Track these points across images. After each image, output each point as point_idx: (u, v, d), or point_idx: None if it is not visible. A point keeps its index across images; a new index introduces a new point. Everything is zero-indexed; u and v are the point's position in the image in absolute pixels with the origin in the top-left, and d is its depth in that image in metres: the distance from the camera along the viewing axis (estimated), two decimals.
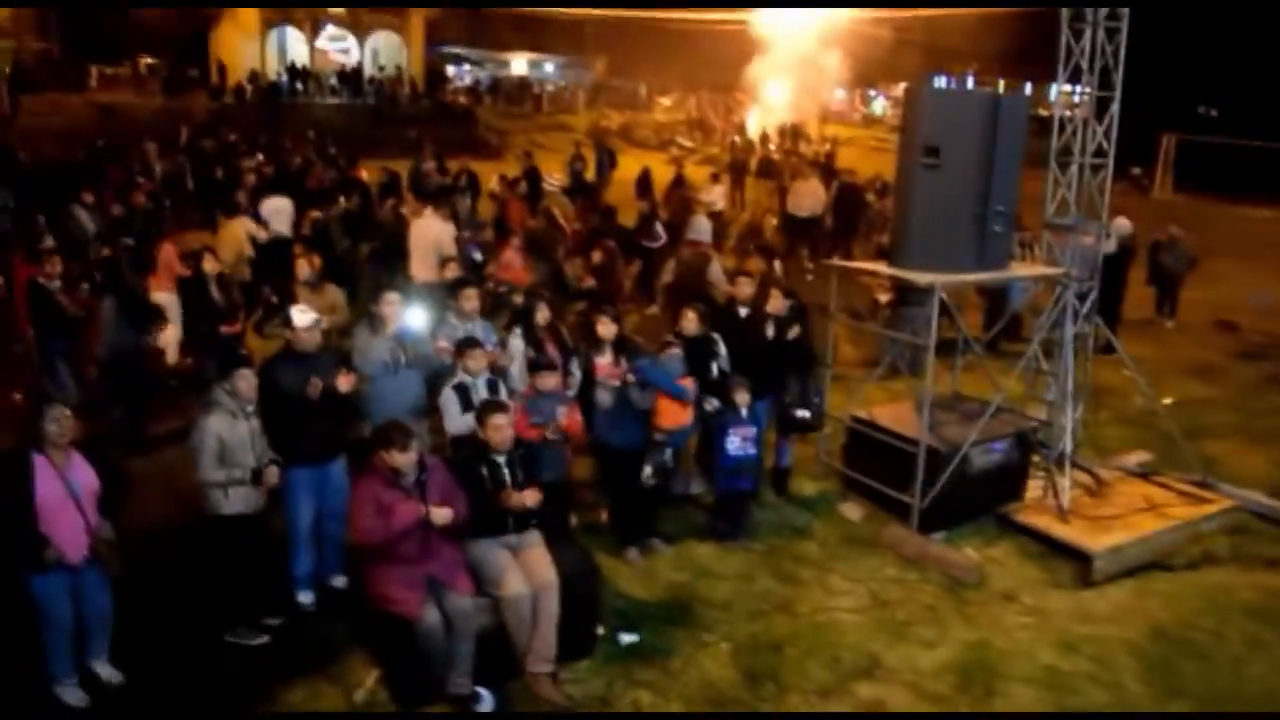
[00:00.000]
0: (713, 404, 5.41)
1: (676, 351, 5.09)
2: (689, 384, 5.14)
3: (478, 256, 8.16)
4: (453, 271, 6.73)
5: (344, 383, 4.58)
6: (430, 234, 7.97)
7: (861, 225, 11.99)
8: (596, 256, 8.33)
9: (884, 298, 8.53)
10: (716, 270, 7.78)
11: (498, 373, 5.18)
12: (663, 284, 8.39)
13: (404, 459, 3.96)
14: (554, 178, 12.89)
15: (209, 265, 6.94)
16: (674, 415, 5.10)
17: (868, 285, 8.55)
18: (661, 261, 9.26)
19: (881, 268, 5.93)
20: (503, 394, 4.93)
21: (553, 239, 8.99)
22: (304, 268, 6.76)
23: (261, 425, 4.40)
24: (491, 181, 12.82)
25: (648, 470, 5.08)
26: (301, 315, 4.72)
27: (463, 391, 4.89)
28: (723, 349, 5.66)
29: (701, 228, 10.03)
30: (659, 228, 10.25)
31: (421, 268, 7.77)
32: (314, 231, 9.07)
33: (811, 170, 13.60)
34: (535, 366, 5.04)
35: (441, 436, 4.94)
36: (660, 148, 22.53)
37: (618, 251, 8.57)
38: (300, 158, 14.40)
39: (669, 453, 5.14)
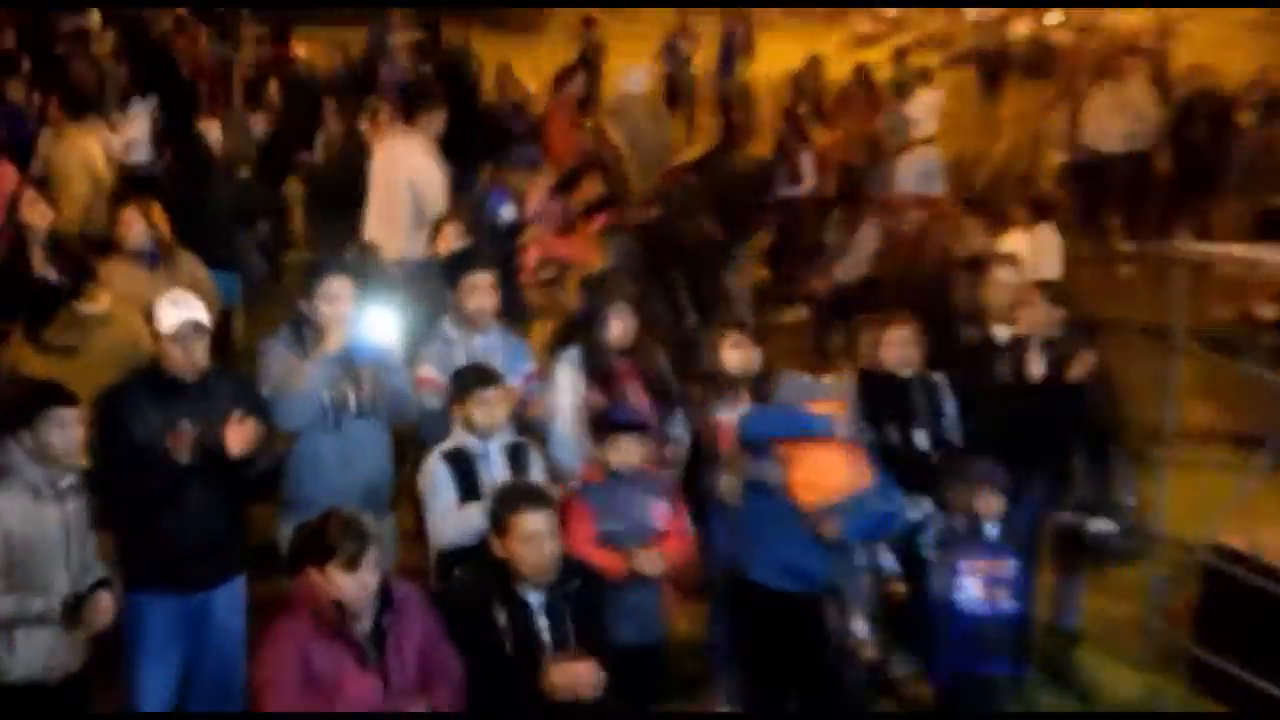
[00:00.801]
0: (923, 510, 5.45)
1: (816, 382, 5.32)
2: (834, 414, 5.06)
3: (506, 214, 8.07)
4: (451, 240, 6.75)
5: (238, 438, 4.60)
6: (406, 169, 7.87)
7: (1226, 171, 11.41)
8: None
9: (1270, 312, 8.30)
10: (975, 244, 7.68)
11: (528, 431, 5.28)
12: (828, 272, 8.39)
13: (352, 584, 3.93)
14: (639, 71, 11.94)
15: (35, 216, 6.93)
16: (828, 474, 5.06)
17: (1239, 287, 8.39)
18: (810, 227, 9.09)
19: (1270, 253, 5.84)
20: (534, 471, 5.03)
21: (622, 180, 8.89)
22: (133, 223, 6.64)
23: (90, 515, 4.46)
24: (524, 75, 12.39)
25: (859, 630, 5.15)
26: (174, 308, 4.73)
27: (461, 464, 4.95)
28: (950, 404, 5.74)
29: (918, 170, 9.79)
30: (805, 161, 10.05)
31: (390, 230, 7.74)
32: (184, 159, 8.93)
33: (1132, 65, 12.13)
34: (606, 424, 5.11)
35: (421, 546, 4.99)
36: (832, 20, 20.66)
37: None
38: (173, 18, 13.58)
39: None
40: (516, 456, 5.08)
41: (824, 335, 8.44)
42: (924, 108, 11.78)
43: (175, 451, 4.53)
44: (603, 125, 10.47)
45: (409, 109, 8.23)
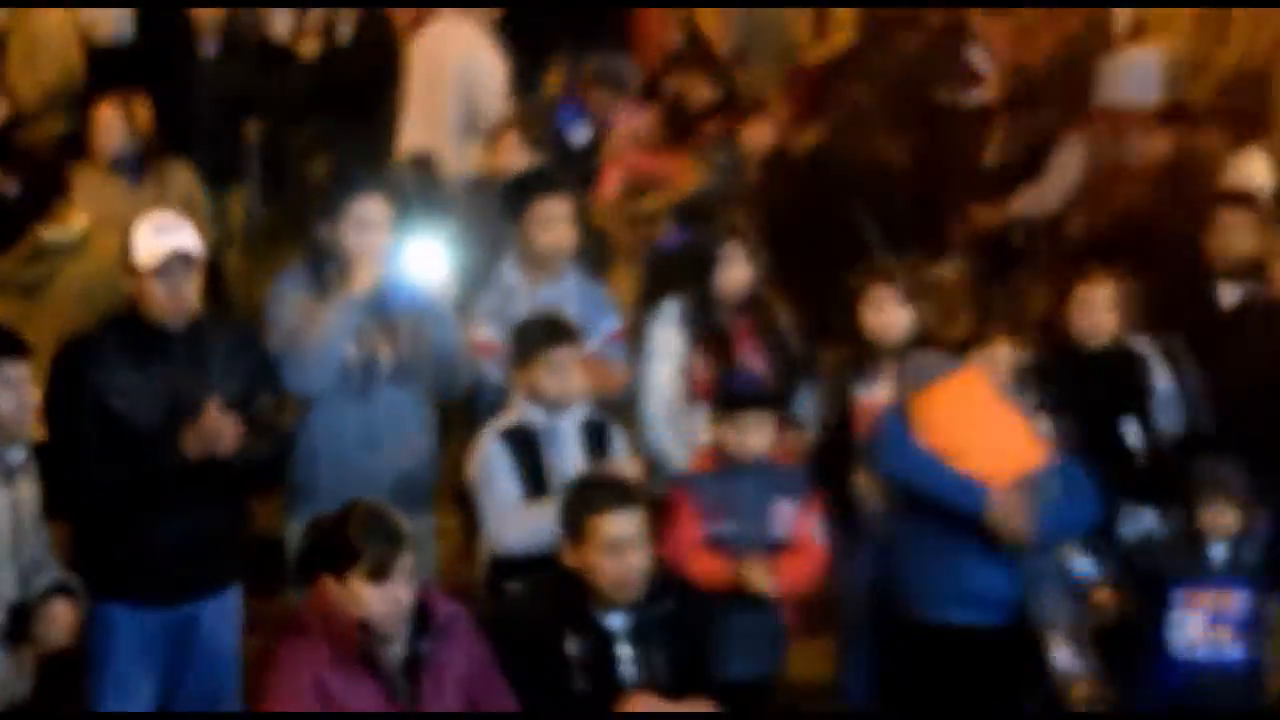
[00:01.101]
0: (1141, 523, 5.63)
1: (951, 359, 5.35)
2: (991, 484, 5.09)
3: (579, 135, 8.16)
4: (511, 153, 6.70)
5: (220, 433, 4.58)
6: (456, 58, 7.98)
7: None
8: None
9: None
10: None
11: (611, 406, 5.37)
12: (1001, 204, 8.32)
13: (380, 599, 3.95)
14: None
15: None
16: (992, 452, 5.14)
17: None
18: (973, 147, 9.04)
19: None
20: (618, 458, 5.10)
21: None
22: (110, 123, 6.71)
23: (42, 501, 4.44)
24: None
25: (1065, 661, 5.14)
26: (157, 234, 4.70)
27: (524, 446, 5.00)
28: (1164, 384, 5.81)
29: (1130, 74, 9.39)
30: (978, 57, 9.94)
31: (434, 137, 7.85)
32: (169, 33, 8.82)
33: None
34: (726, 396, 5.19)
35: (468, 551, 5.18)
36: None
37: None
38: None
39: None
40: (595, 438, 5.11)
41: (986, 290, 8.30)
42: None
43: (192, 444, 4.53)
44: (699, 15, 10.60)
45: None
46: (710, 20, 10.40)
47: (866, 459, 5.40)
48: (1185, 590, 5.28)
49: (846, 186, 7.94)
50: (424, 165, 7.37)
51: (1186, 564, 5.33)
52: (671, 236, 6.74)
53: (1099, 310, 5.78)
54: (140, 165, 6.69)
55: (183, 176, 6.83)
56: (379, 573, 3.93)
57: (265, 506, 5.40)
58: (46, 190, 5.82)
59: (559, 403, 5.02)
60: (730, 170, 7.76)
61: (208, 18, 9.00)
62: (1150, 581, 5.39)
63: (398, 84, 8.33)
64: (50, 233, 5.62)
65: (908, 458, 5.17)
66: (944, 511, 5.12)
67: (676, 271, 5.96)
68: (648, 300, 5.92)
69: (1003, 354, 5.41)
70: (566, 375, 5.02)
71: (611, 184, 7.62)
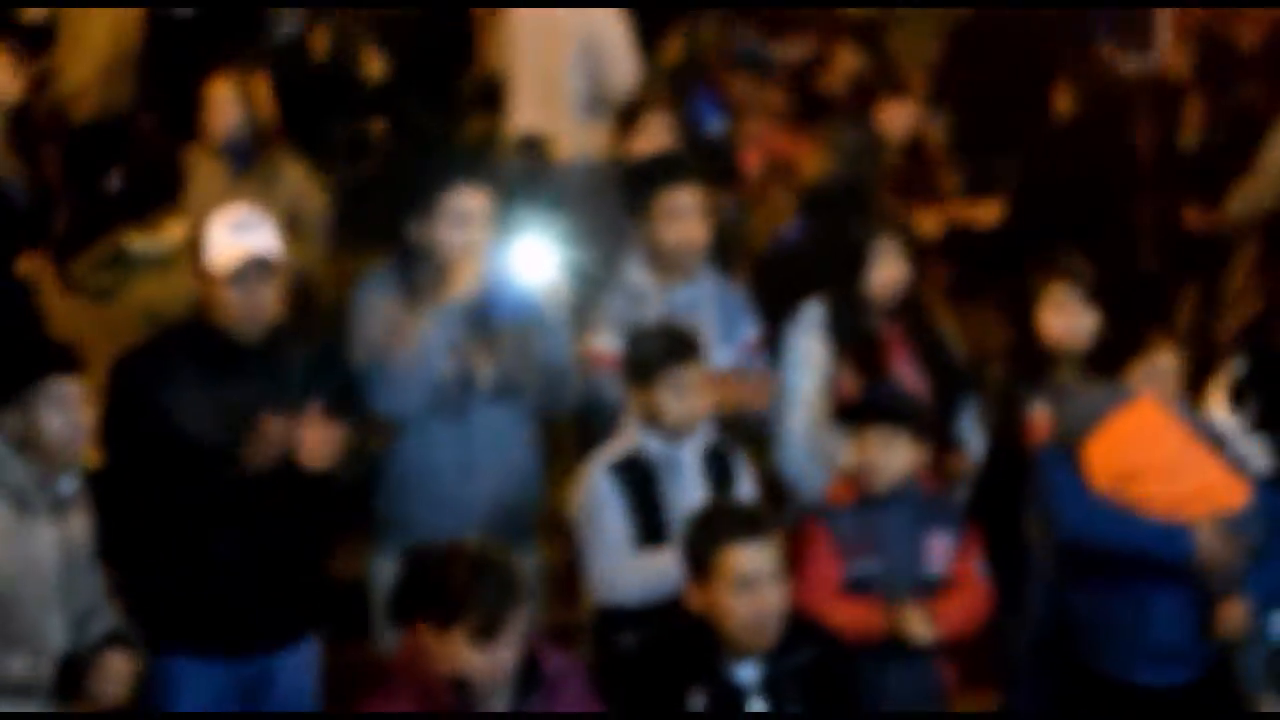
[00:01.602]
0: None
1: (1117, 389, 5.17)
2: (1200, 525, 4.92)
3: (715, 126, 8.14)
4: (654, 137, 6.63)
5: (320, 444, 4.57)
6: (577, 23, 7.85)
7: None
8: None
9: None
10: None
11: (741, 428, 5.33)
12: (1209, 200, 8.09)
13: (484, 662, 3.87)
14: None
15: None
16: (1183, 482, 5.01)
17: None
18: (1160, 126, 8.74)
19: None
20: (744, 490, 5.06)
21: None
22: (224, 100, 6.64)
23: (98, 539, 4.43)
24: None
25: None
26: (233, 233, 4.63)
27: (639, 479, 4.93)
28: None
29: None
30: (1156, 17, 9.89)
31: (550, 116, 7.79)
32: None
33: None
34: (863, 410, 5.12)
35: (575, 595, 5.21)
36: None
37: None
38: None
39: None
40: (719, 468, 5.02)
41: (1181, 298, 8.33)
42: None
43: (252, 455, 4.48)
44: None
45: None
46: None
47: (1035, 509, 5.24)
48: None
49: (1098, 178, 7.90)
50: (534, 149, 7.41)
51: None
52: (793, 228, 6.56)
53: None
54: (248, 154, 6.68)
55: (296, 171, 6.83)
56: (487, 633, 3.81)
57: (345, 544, 5.39)
58: (154, 189, 5.85)
59: (680, 429, 4.91)
60: (863, 153, 7.61)
61: None
62: None
63: (475, 60, 8.42)
64: (138, 241, 5.65)
65: (1090, 515, 4.99)
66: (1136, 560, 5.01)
67: (814, 269, 5.81)
68: (776, 302, 5.76)
69: (1166, 363, 5.27)
70: (693, 397, 4.92)
71: (752, 169, 7.57)
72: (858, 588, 4.80)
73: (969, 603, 4.91)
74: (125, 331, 5.11)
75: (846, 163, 7.35)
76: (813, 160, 7.47)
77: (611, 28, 7.87)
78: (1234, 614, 4.91)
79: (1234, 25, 10.31)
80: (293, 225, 6.31)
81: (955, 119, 9.11)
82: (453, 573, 3.89)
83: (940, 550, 4.92)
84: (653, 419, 4.89)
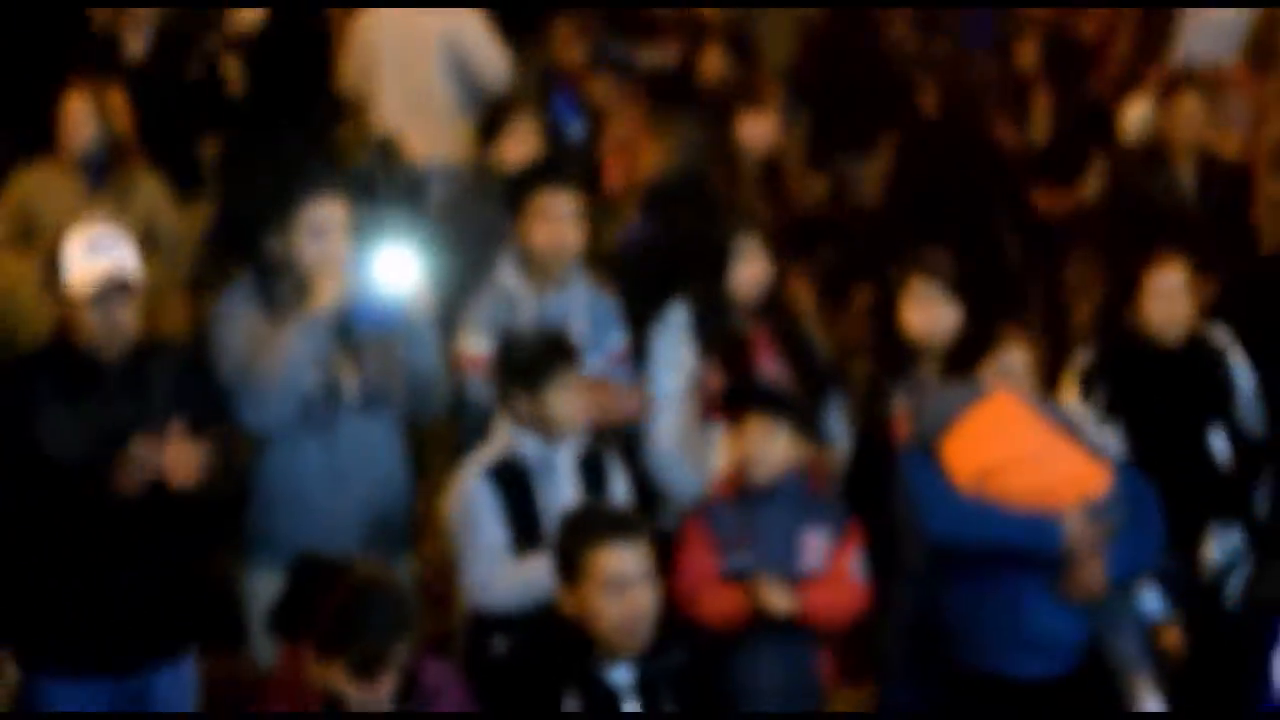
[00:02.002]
0: (1229, 545, 5.55)
1: (972, 386, 5.17)
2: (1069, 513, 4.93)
3: (575, 130, 8.26)
4: (524, 143, 6.60)
5: (183, 463, 4.50)
6: (441, 25, 7.93)
7: None
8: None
9: None
10: None
11: (616, 436, 5.34)
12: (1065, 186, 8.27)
13: (362, 696, 3.84)
14: None
15: None
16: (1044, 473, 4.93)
17: None
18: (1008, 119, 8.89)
19: None
20: (617, 494, 5.06)
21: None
22: (80, 114, 6.61)
23: None
24: None
25: (1154, 705, 4.97)
26: (91, 252, 4.60)
27: (514, 483, 4.92)
28: (1245, 380, 5.72)
29: (1210, 29, 9.54)
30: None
31: (419, 120, 7.80)
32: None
33: None
34: (739, 399, 5.15)
35: (447, 601, 5.23)
36: None
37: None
38: None
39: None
40: (593, 472, 5.03)
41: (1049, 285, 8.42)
42: None
43: (123, 478, 4.43)
44: None
45: None
46: None
47: (901, 508, 5.21)
48: None
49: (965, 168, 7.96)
50: (388, 153, 7.33)
51: None
52: (635, 227, 6.52)
53: (1173, 300, 5.66)
54: (103, 167, 6.63)
55: (152, 186, 6.75)
56: (369, 670, 3.78)
57: (218, 558, 5.35)
58: None
59: (562, 432, 4.92)
60: (705, 148, 7.56)
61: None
62: (1254, 613, 5.31)
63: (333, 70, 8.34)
64: None
65: (956, 513, 4.95)
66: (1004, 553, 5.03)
67: (668, 267, 5.82)
68: (631, 301, 5.76)
69: (1017, 359, 5.32)
70: (574, 400, 4.93)
71: (616, 180, 7.53)
72: (732, 578, 4.82)
73: (838, 594, 4.92)
74: None
75: (687, 158, 7.33)
76: (652, 156, 7.47)
77: (472, 25, 7.92)
78: (1090, 575, 4.87)
79: (1077, 22, 10.64)
80: (148, 241, 6.19)
81: (812, 121, 9.10)
82: (339, 600, 3.85)
83: (816, 546, 4.92)
84: (535, 422, 4.89)
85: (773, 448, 4.93)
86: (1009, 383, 5.23)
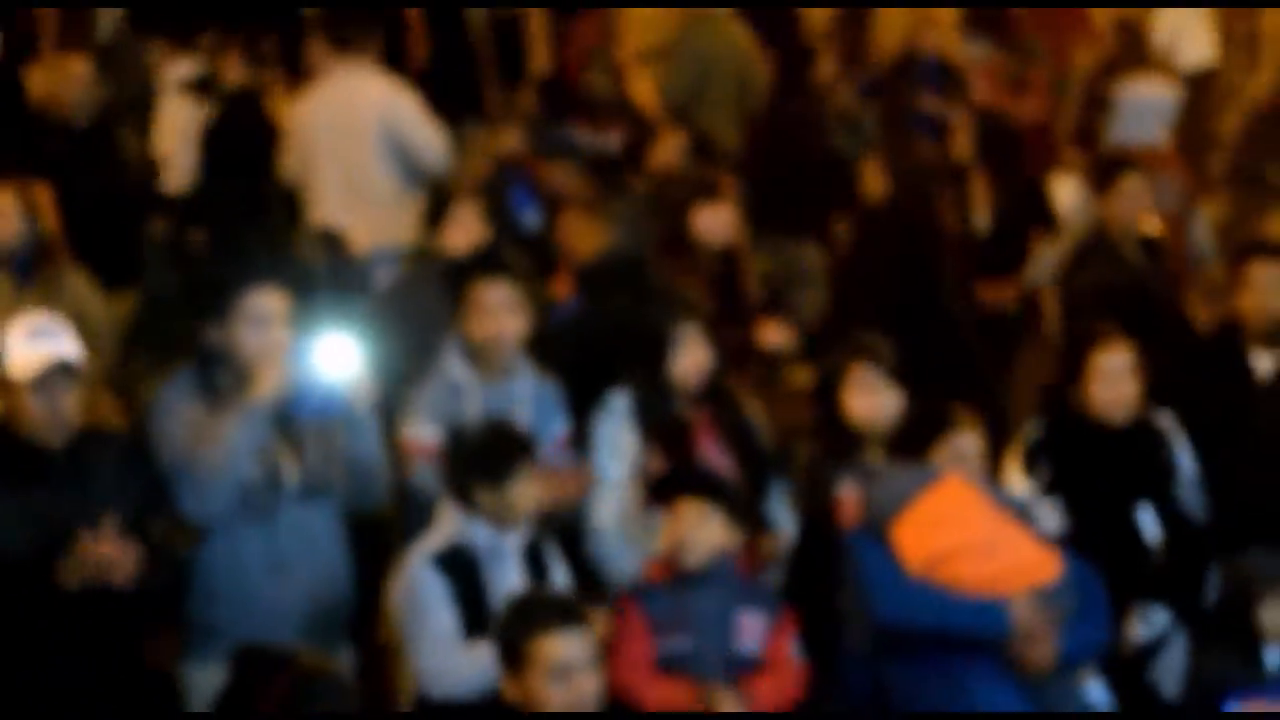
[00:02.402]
0: (1156, 625, 5.58)
1: (923, 469, 5.18)
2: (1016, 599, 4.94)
3: (529, 219, 8.23)
4: (470, 230, 6.60)
5: (120, 561, 4.48)
6: (377, 108, 7.96)
7: None
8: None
9: None
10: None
11: (557, 522, 5.33)
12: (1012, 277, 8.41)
13: None
14: None
15: None
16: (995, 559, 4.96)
17: None
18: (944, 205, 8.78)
19: None
20: (557, 577, 5.10)
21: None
22: (5, 214, 6.53)
23: None
24: None
25: None
26: (32, 341, 4.65)
27: (461, 571, 4.89)
28: (1186, 461, 5.77)
29: (1142, 107, 9.90)
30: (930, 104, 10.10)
31: (357, 206, 7.81)
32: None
33: None
34: (670, 485, 5.16)
35: (392, 679, 5.22)
36: None
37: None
38: None
39: None
40: (535, 558, 5.04)
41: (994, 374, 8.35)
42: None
43: (67, 575, 4.40)
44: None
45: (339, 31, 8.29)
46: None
47: (847, 591, 5.17)
48: (1241, 700, 5.16)
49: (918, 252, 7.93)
50: (333, 243, 7.30)
51: (1236, 672, 5.23)
52: (566, 307, 6.52)
53: (1118, 381, 5.66)
54: (30, 265, 6.55)
55: (79, 283, 6.71)
56: None
57: (157, 647, 5.19)
58: None
59: (508, 518, 4.90)
60: (645, 233, 7.62)
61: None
62: (1201, 692, 5.30)
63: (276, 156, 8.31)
64: None
65: (904, 598, 4.95)
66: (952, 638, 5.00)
67: (603, 349, 5.83)
68: (576, 388, 5.75)
69: (969, 442, 5.34)
70: (531, 490, 4.94)
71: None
72: (669, 666, 4.81)
73: (781, 683, 4.91)
74: None
75: (626, 242, 7.35)
76: (588, 237, 7.43)
77: (407, 106, 7.93)
78: (1039, 652, 4.84)
79: (1011, 105, 10.86)
80: (78, 337, 6.36)
81: (757, 208, 9.11)
82: (282, 691, 3.79)
83: (752, 629, 4.92)
84: (494, 512, 4.90)
85: (705, 532, 4.93)
86: (961, 466, 5.22)
